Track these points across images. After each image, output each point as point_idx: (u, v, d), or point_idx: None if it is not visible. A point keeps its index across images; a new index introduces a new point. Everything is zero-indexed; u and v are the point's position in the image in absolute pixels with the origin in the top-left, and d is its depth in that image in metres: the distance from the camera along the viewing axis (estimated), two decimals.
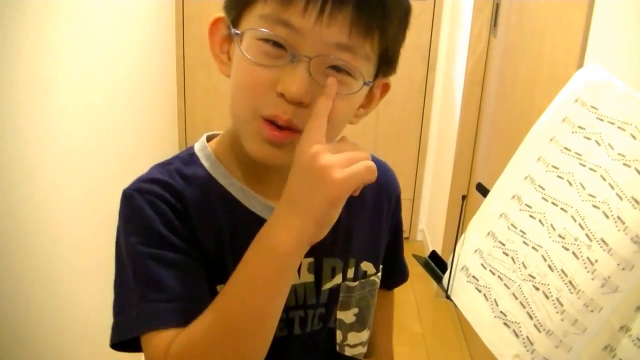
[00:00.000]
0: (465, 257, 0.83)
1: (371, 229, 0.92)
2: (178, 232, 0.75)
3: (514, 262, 0.76)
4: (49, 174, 1.41)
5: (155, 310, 0.72)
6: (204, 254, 0.77)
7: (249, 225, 0.77)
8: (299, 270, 0.83)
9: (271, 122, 0.72)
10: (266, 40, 0.71)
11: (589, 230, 0.69)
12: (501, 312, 0.75)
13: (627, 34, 1.16)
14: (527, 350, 0.72)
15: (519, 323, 0.73)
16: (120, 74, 1.93)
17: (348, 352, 0.92)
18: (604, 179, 0.70)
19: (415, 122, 3.07)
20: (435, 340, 2.49)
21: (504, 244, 0.78)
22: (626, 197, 0.67)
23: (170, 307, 0.71)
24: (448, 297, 0.84)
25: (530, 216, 0.76)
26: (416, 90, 3.01)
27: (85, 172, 1.60)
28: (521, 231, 0.77)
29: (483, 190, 0.85)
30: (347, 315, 0.90)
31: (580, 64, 1.35)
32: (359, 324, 0.91)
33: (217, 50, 0.79)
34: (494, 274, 0.78)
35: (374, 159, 0.93)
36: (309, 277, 0.84)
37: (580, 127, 0.75)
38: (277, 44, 0.70)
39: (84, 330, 1.55)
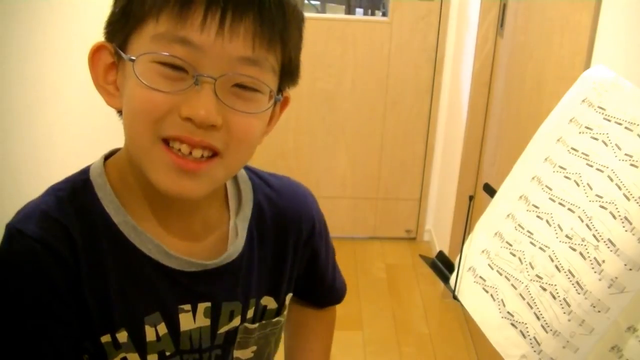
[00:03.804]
0: (473, 258, 0.83)
1: (273, 264, 0.85)
2: (51, 293, 0.69)
3: (521, 263, 0.76)
4: (57, 174, 1.42)
5: None
6: (86, 303, 0.71)
7: (139, 268, 0.73)
8: (194, 315, 0.77)
9: (174, 146, 0.66)
10: (164, 62, 0.64)
11: (596, 230, 0.69)
12: (508, 312, 0.75)
13: (634, 34, 1.15)
14: (534, 351, 0.72)
15: (526, 324, 0.73)
16: None
17: None
18: (611, 180, 0.70)
19: (422, 122, 3.07)
20: (442, 341, 2.48)
21: (511, 245, 0.78)
22: (633, 197, 0.67)
23: None
24: (455, 297, 0.84)
25: (538, 217, 0.76)
26: (423, 90, 3.01)
27: None
28: (528, 232, 0.77)
29: (490, 191, 0.85)
30: (244, 353, 0.85)
31: (587, 65, 1.35)
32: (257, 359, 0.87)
33: (102, 82, 0.72)
34: (501, 274, 0.78)
35: (288, 186, 0.89)
36: (204, 322, 0.79)
37: (587, 128, 0.74)
38: (176, 66, 0.64)
39: None
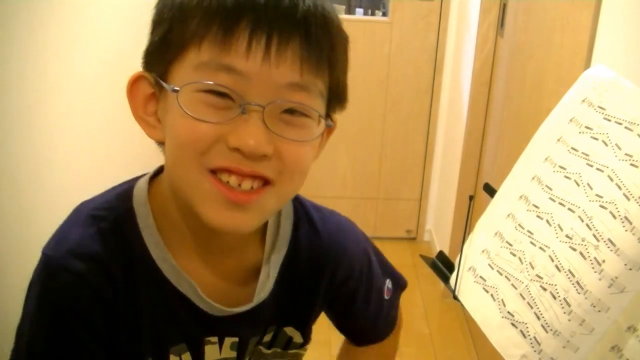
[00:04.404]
0: (473, 258, 0.83)
1: (302, 299, 0.83)
2: (88, 329, 0.68)
3: (522, 263, 0.76)
4: (57, 174, 1.42)
5: None
6: (118, 336, 0.70)
7: (171, 301, 0.72)
8: (220, 347, 0.76)
9: (222, 178, 0.63)
10: (208, 91, 0.62)
11: (596, 230, 0.69)
12: (508, 312, 0.75)
13: (634, 34, 1.15)
14: (535, 351, 0.72)
15: (526, 323, 0.73)
16: (128, 75, 1.94)
17: None
18: (611, 179, 0.70)
19: (422, 122, 3.07)
20: (442, 341, 2.48)
21: (511, 244, 0.78)
22: (633, 197, 0.67)
23: None
24: (455, 297, 0.84)
25: (538, 216, 0.76)
26: (423, 90, 3.01)
27: (92, 172, 1.61)
28: (528, 231, 0.77)
29: (490, 191, 0.85)
30: None
31: (587, 65, 1.35)
32: None
33: (142, 113, 0.69)
34: (501, 274, 0.78)
35: (332, 226, 0.84)
36: (230, 354, 0.78)
37: (587, 128, 0.74)
38: (221, 94, 0.62)
39: None
